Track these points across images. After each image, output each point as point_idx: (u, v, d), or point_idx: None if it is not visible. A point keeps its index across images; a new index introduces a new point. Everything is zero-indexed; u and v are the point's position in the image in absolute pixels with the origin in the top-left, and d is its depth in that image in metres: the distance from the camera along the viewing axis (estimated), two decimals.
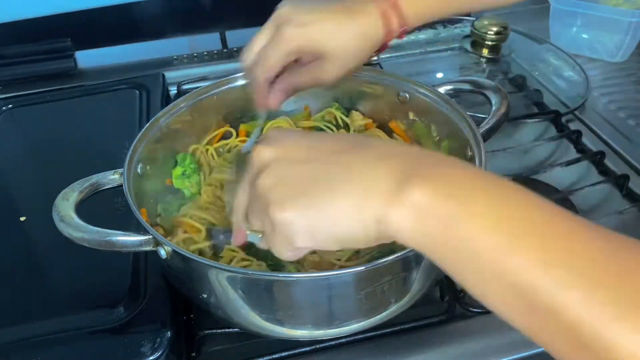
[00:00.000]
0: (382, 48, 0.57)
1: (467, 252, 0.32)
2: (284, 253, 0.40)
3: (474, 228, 0.32)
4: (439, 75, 1.02)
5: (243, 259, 0.59)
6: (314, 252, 0.61)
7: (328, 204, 0.36)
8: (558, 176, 0.80)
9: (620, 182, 0.77)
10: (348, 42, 0.54)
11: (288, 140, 0.40)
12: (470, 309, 0.62)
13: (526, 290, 0.30)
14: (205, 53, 1.10)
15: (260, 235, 0.41)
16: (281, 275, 0.53)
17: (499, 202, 0.32)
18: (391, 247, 0.59)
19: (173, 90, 1.00)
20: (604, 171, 0.81)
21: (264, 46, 0.54)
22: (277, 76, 0.57)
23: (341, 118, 0.76)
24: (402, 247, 0.57)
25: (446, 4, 0.57)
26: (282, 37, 0.52)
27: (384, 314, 0.55)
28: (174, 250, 0.51)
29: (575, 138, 0.85)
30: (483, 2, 0.63)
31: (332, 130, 0.76)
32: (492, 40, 1.05)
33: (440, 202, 0.33)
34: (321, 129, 0.75)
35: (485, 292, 0.33)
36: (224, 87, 0.74)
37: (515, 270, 0.30)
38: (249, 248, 0.58)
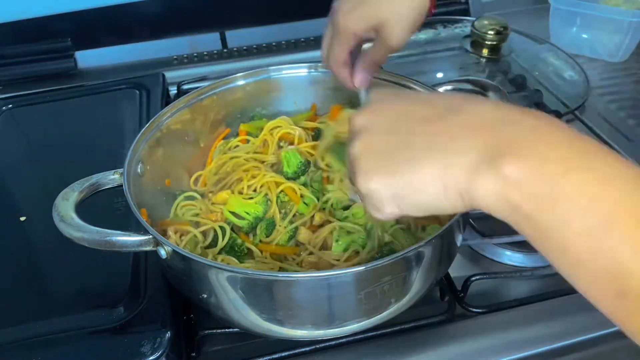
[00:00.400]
0: (432, 6, 0.59)
1: (558, 232, 0.31)
2: (377, 215, 0.40)
3: (567, 209, 0.30)
4: (439, 75, 1.02)
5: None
6: (311, 253, 0.61)
7: (410, 174, 0.36)
8: None
9: None
10: (400, 6, 0.56)
11: (383, 108, 0.41)
12: (470, 309, 0.62)
13: (619, 275, 0.29)
14: (205, 53, 1.11)
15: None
16: (281, 275, 0.53)
17: (593, 180, 0.31)
18: (391, 247, 0.59)
19: (173, 90, 1.00)
20: None
21: (329, 42, 0.59)
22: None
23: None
24: (403, 247, 0.57)
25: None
26: (339, 30, 0.57)
27: (384, 314, 0.55)
28: (174, 250, 0.51)
29: None
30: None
31: None
32: (492, 40, 1.05)
33: (532, 180, 0.32)
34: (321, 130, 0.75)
35: (572, 274, 0.33)
36: (224, 87, 0.74)
37: (607, 254, 0.30)
38: None
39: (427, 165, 0.36)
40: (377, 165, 0.38)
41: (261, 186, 0.67)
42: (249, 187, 0.67)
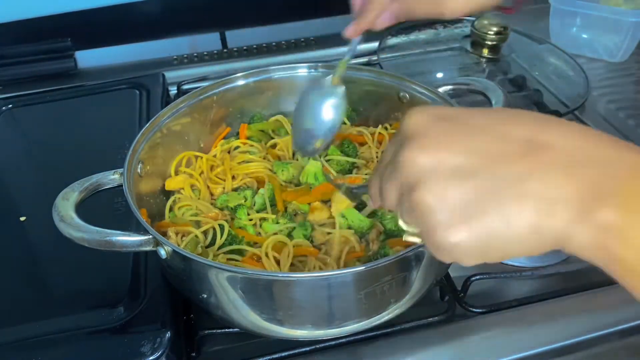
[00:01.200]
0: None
1: None
2: (447, 261, 0.37)
3: None
4: (439, 75, 1.02)
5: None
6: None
7: (502, 226, 0.33)
8: None
9: None
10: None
11: (445, 141, 0.35)
12: (470, 309, 0.62)
13: None
14: (205, 53, 1.11)
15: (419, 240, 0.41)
16: (281, 275, 0.53)
17: None
18: (385, 250, 0.59)
19: (173, 90, 1.00)
20: None
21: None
22: None
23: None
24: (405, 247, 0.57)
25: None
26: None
27: (384, 314, 0.55)
28: (174, 250, 0.51)
29: None
30: None
31: None
32: (492, 40, 1.05)
33: (633, 223, 0.30)
34: None
35: None
36: (224, 87, 0.74)
37: None
38: None
39: (522, 213, 0.32)
40: (460, 217, 0.34)
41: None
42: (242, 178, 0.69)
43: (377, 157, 0.72)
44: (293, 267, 0.59)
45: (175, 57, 1.10)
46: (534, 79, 1.01)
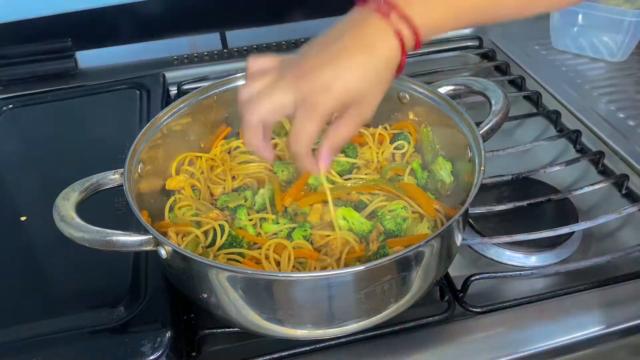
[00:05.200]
0: (401, 66, 0.51)
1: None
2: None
3: None
4: (439, 75, 1.02)
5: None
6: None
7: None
8: (557, 176, 0.80)
9: (619, 182, 0.77)
10: (374, 78, 0.48)
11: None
12: (470, 308, 0.62)
13: None
14: (205, 53, 1.11)
15: None
16: (281, 275, 0.53)
17: None
18: (385, 251, 0.59)
19: (173, 90, 1.00)
20: (603, 171, 0.81)
21: (297, 123, 0.48)
22: None
23: None
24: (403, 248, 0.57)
25: (463, 15, 0.50)
26: (315, 109, 0.47)
27: (384, 313, 0.55)
28: (174, 250, 0.51)
29: (574, 138, 0.85)
30: (504, 13, 0.52)
31: None
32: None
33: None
34: None
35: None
36: (224, 87, 0.74)
37: None
38: None
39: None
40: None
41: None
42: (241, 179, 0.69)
43: (377, 157, 0.72)
44: (293, 268, 0.59)
45: (175, 57, 1.10)
46: (533, 79, 1.02)
